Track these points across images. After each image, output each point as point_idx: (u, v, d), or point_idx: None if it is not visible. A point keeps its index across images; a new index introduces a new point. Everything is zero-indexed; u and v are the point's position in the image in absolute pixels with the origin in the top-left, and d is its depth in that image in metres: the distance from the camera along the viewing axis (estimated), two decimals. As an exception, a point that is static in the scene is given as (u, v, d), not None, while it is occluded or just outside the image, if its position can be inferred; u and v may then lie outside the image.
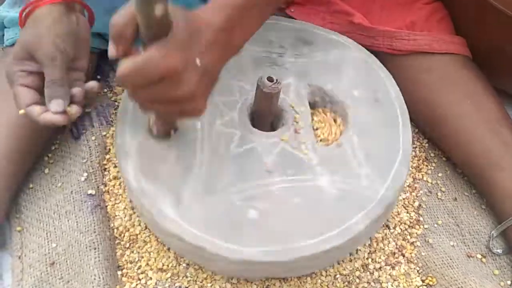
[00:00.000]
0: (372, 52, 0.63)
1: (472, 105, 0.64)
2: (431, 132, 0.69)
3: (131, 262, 0.57)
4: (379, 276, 0.58)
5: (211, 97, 0.47)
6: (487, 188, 0.63)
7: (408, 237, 0.62)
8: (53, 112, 0.50)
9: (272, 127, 0.58)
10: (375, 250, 0.60)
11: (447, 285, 0.58)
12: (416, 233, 0.62)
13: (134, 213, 0.59)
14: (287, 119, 0.57)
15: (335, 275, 0.58)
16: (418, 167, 0.68)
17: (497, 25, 0.63)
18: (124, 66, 0.41)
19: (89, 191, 0.61)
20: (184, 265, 0.56)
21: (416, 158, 0.69)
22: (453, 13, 0.70)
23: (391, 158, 0.54)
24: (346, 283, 0.57)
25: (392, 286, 0.58)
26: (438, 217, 0.64)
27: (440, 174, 0.68)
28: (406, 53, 0.66)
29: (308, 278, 0.57)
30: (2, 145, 0.57)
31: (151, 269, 0.56)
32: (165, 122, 0.52)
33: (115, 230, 0.59)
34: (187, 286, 0.55)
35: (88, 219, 0.58)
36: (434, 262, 0.60)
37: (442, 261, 0.60)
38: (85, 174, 0.62)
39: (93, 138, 0.65)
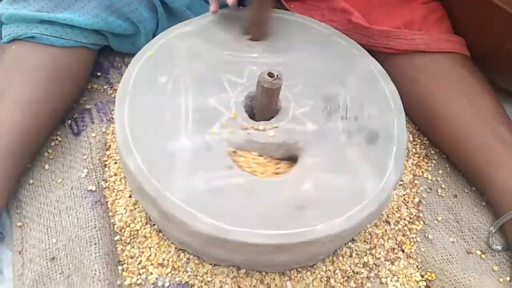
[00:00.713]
0: (370, 51, 0.63)
1: (469, 103, 0.64)
2: (429, 131, 0.70)
3: (131, 257, 0.57)
4: (378, 272, 0.59)
5: None
6: (484, 185, 0.63)
7: (408, 233, 0.62)
8: None
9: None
10: (375, 246, 0.60)
11: (446, 281, 0.58)
12: (416, 229, 0.62)
13: (135, 208, 0.60)
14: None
15: (335, 270, 0.58)
16: (419, 164, 0.69)
17: (497, 23, 0.64)
18: None
19: (90, 187, 0.61)
20: (184, 259, 0.56)
21: (417, 155, 0.69)
22: (451, 13, 0.70)
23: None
24: (346, 278, 0.58)
25: (391, 281, 0.58)
26: (438, 214, 0.64)
27: (440, 171, 0.68)
28: (404, 52, 0.67)
29: (308, 273, 0.57)
30: (3, 141, 0.57)
31: (152, 264, 0.56)
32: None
33: (116, 226, 0.59)
34: (187, 280, 0.55)
35: (88, 215, 0.58)
36: (433, 258, 0.60)
37: (442, 257, 0.60)
38: (86, 170, 0.62)
39: (94, 134, 0.66)
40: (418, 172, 0.68)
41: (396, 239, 0.61)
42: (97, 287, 0.53)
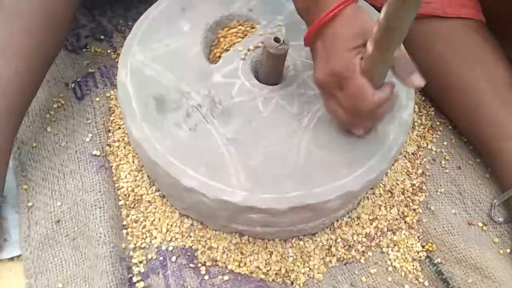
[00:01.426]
0: None
1: (482, 72, 0.63)
2: (440, 100, 0.69)
3: (135, 222, 0.57)
4: (380, 241, 0.59)
5: None
6: (492, 158, 0.63)
7: (411, 204, 0.62)
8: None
9: None
10: (376, 217, 0.60)
11: (446, 251, 0.59)
12: (419, 200, 0.63)
13: (139, 173, 0.60)
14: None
15: (336, 239, 0.58)
16: (423, 135, 0.68)
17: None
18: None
19: (94, 152, 0.61)
20: (188, 225, 0.57)
21: (422, 126, 0.69)
22: None
23: None
24: (347, 247, 0.58)
25: (392, 251, 0.59)
26: (441, 185, 0.64)
27: (445, 143, 0.68)
28: (419, 17, 0.65)
29: (310, 241, 0.58)
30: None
31: (156, 229, 0.57)
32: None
33: (120, 191, 0.59)
34: (190, 245, 0.56)
35: (93, 179, 0.59)
36: (435, 229, 0.61)
37: (443, 228, 0.60)
38: (90, 135, 0.62)
39: (97, 99, 0.65)
40: (423, 143, 0.67)
41: (398, 210, 0.61)
42: (102, 250, 0.54)
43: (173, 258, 0.55)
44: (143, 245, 0.56)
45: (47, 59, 0.60)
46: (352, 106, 0.48)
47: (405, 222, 0.61)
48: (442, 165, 0.66)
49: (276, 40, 0.52)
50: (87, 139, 0.62)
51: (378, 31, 0.42)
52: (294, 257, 0.57)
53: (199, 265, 0.55)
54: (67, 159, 0.60)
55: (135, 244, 0.56)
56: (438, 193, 0.64)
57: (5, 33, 0.56)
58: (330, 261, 0.57)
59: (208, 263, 0.55)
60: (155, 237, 0.56)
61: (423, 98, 0.71)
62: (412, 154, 0.66)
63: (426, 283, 0.57)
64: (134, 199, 0.59)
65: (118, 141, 0.62)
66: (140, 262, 0.55)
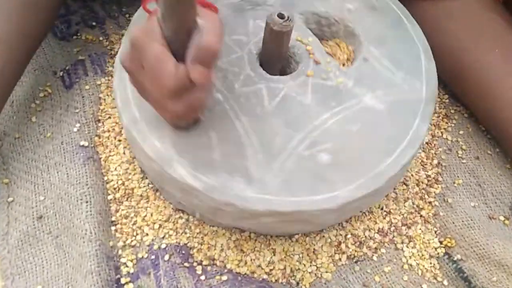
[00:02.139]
0: None
1: (501, 54, 0.58)
2: (454, 85, 0.64)
3: (126, 217, 0.52)
4: (393, 237, 0.54)
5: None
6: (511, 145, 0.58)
7: (426, 196, 0.57)
8: None
9: (282, 73, 0.53)
10: (390, 211, 0.55)
11: (467, 247, 0.54)
12: (435, 192, 0.58)
13: (130, 165, 0.55)
14: (300, 56, 0.52)
15: (346, 235, 0.53)
16: (438, 124, 0.63)
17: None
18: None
19: (82, 143, 0.56)
20: (183, 220, 0.52)
21: (436, 115, 0.64)
22: None
23: (415, 54, 0.54)
24: (358, 243, 0.53)
25: (407, 247, 0.54)
26: (458, 176, 0.59)
27: (461, 132, 0.63)
28: None
29: (317, 237, 0.53)
30: None
31: (147, 225, 0.52)
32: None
33: (109, 184, 0.54)
34: (186, 242, 0.51)
35: (79, 171, 0.54)
36: (453, 223, 0.56)
37: (462, 222, 0.55)
38: (78, 124, 0.57)
39: (87, 87, 0.61)
40: (437, 132, 0.63)
41: (413, 203, 0.56)
42: (88, 248, 0.49)
43: (166, 257, 0.50)
44: (133, 243, 0.51)
45: (29, 47, 0.55)
46: (153, 80, 0.40)
47: (421, 216, 0.56)
48: (459, 155, 0.61)
49: (280, 16, 0.47)
50: (75, 129, 0.57)
51: None
52: (300, 255, 0.52)
53: (195, 264, 0.50)
54: (52, 150, 0.56)
55: (124, 242, 0.51)
56: (455, 185, 0.59)
57: None
58: (340, 259, 0.52)
59: (204, 262, 0.50)
60: (147, 234, 0.51)
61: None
62: (427, 143, 0.61)
63: (445, 282, 0.52)
64: (125, 192, 0.54)
65: (108, 131, 0.58)
66: (130, 261, 0.50)
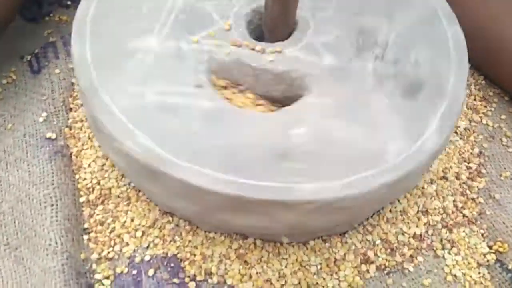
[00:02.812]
0: None
1: None
2: (489, 69, 0.56)
3: (101, 224, 0.42)
4: (432, 242, 0.44)
5: None
6: None
7: (468, 191, 0.47)
8: None
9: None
10: (427, 210, 0.45)
11: (524, 253, 0.44)
12: (478, 187, 0.48)
13: (107, 161, 0.45)
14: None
15: (374, 241, 0.43)
16: (475, 107, 0.54)
17: None
18: None
19: (48, 135, 0.47)
20: (172, 225, 0.42)
21: (472, 97, 0.54)
22: None
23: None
24: (389, 250, 0.43)
25: (450, 254, 0.44)
26: (504, 168, 0.49)
27: (503, 116, 0.53)
28: None
29: (339, 244, 0.43)
30: None
31: (128, 232, 0.42)
32: None
33: (81, 184, 0.44)
34: (175, 253, 0.41)
35: (44, 168, 0.44)
36: (503, 223, 0.46)
37: (515, 222, 0.45)
38: (44, 114, 0.48)
39: (57, 71, 0.52)
40: (475, 117, 0.53)
41: (454, 200, 0.46)
42: (53, 262, 0.39)
43: (151, 272, 0.40)
44: (110, 255, 0.41)
45: None
46: None
47: (464, 215, 0.46)
48: (503, 143, 0.51)
49: None
50: (40, 119, 0.48)
51: None
52: (318, 266, 0.41)
53: (187, 280, 0.40)
54: (12, 144, 0.46)
55: (99, 254, 0.41)
56: (502, 178, 0.49)
57: None
58: (368, 271, 0.42)
59: (199, 277, 0.40)
60: (127, 244, 0.41)
61: (469, 65, 0.57)
62: (464, 129, 0.51)
63: (500, 297, 0.42)
64: (100, 193, 0.44)
65: (81, 121, 0.48)
66: (106, 278, 0.40)
